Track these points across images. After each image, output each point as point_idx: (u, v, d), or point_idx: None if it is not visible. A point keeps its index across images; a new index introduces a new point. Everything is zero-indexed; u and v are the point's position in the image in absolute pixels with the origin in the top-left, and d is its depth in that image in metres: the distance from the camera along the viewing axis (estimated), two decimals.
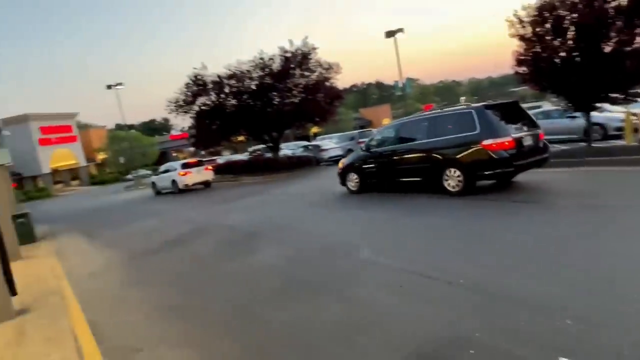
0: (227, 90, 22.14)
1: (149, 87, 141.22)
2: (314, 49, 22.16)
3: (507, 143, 7.97)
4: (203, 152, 45.72)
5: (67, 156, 50.50)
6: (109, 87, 36.27)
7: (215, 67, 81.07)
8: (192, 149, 40.83)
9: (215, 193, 18.44)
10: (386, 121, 79.16)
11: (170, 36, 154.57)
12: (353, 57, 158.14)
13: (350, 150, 23.66)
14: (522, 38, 11.41)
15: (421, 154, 9.20)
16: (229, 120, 22.22)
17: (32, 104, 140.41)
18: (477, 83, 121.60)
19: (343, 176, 11.68)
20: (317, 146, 25.06)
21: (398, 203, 9.00)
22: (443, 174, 8.76)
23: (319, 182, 15.87)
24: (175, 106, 22.40)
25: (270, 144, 23.89)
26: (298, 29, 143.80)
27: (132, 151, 41.63)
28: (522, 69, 11.83)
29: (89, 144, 55.45)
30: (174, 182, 21.98)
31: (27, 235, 13.42)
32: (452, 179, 8.65)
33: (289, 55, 21.97)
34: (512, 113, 8.70)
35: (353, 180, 11.30)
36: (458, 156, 8.45)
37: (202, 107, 22.65)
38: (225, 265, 6.35)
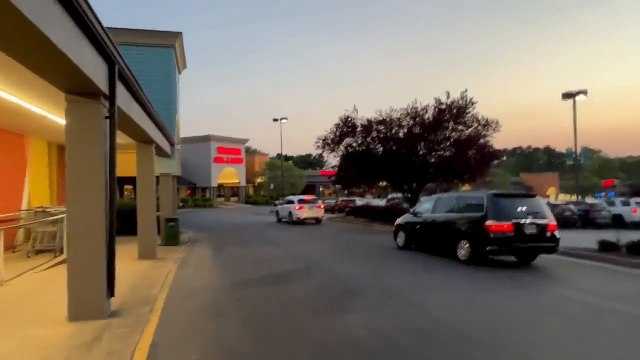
0: (374, 134, 22.15)
1: (311, 124, 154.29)
2: (472, 103, 20.81)
3: (505, 226, 9.74)
4: (346, 192, 46.97)
5: (232, 175, 57.51)
6: (275, 120, 40.30)
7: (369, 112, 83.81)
8: (337, 186, 42.32)
9: (336, 232, 18.20)
10: (551, 191, 69.92)
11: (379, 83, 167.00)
12: (522, 117, 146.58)
13: None
14: None
15: (446, 225, 11.27)
16: (371, 164, 22.08)
17: (212, 126, 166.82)
18: None
19: (395, 233, 13.70)
20: None
21: (425, 263, 11.00)
22: (458, 243, 10.65)
23: None
24: (323, 143, 23.32)
25: (409, 195, 22.86)
26: (465, 81, 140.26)
27: (283, 180, 44.97)
28: None
29: (251, 167, 62.37)
30: (290, 213, 24.72)
31: (172, 237, 15.09)
32: (463, 248, 10.47)
33: (443, 107, 21.02)
34: (526, 204, 10.22)
35: (401, 237, 13.33)
36: (468, 231, 10.38)
37: (348, 149, 23.07)
38: (309, 322, 5.67)
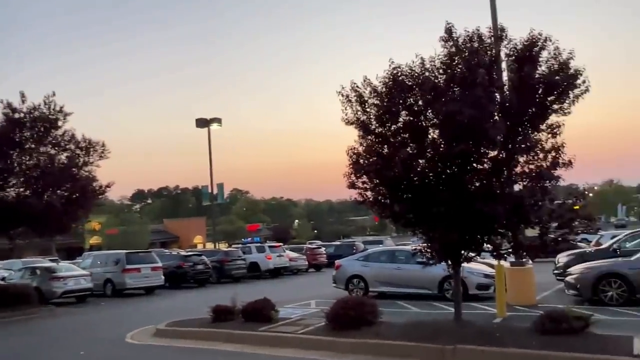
0: None
1: None
2: (65, 114, 17.05)
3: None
4: None
5: None
6: None
7: None
8: None
9: None
10: (198, 239, 73.80)
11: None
12: (168, 153, 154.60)
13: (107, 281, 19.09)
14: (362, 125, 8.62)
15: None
16: None
17: None
18: (315, 206, 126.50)
19: None
20: (49, 270, 18.55)
21: None
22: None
23: None
24: None
25: None
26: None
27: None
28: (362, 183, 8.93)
29: None
30: None
31: None
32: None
33: (18, 117, 16.48)
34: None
35: None
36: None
37: None
38: None
